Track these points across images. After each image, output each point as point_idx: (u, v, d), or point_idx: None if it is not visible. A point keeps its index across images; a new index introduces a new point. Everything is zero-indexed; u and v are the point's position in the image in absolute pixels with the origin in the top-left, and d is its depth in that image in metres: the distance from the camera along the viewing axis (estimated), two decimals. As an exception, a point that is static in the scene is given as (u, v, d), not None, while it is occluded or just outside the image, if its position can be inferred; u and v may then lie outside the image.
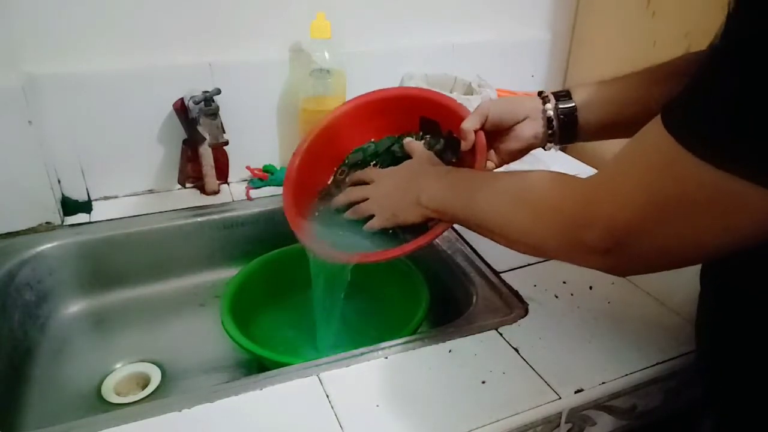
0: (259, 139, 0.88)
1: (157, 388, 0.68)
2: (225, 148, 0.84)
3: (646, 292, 0.66)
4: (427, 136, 0.69)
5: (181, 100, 0.78)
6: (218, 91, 0.78)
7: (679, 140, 0.35)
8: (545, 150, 0.63)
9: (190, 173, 0.85)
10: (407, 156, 0.66)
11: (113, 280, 0.78)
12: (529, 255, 0.53)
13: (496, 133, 0.62)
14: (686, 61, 0.56)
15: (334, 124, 0.70)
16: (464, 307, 0.65)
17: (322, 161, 0.70)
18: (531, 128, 0.61)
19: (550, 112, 0.60)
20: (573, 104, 0.60)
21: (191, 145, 0.82)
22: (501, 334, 0.58)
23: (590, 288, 0.66)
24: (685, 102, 0.35)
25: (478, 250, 0.74)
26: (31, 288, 0.72)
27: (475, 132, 0.60)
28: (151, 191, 0.86)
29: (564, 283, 0.67)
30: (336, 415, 0.48)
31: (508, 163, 0.65)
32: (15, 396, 0.64)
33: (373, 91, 0.71)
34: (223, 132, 0.80)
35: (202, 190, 0.85)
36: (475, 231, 0.55)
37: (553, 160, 0.86)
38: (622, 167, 0.41)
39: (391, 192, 0.61)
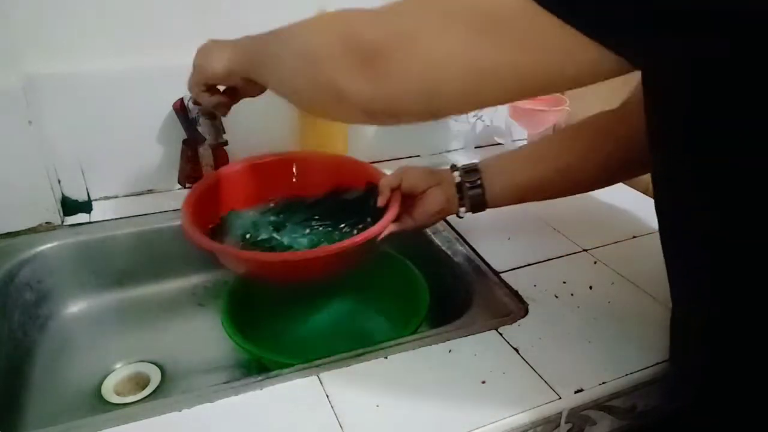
0: (259, 139, 0.88)
1: (157, 388, 0.68)
2: (225, 148, 0.84)
3: (646, 292, 0.66)
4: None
5: (181, 100, 0.78)
6: None
7: None
8: (459, 216, 0.68)
9: (190, 173, 0.85)
10: (350, 207, 0.72)
11: (113, 280, 0.78)
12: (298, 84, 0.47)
13: (411, 196, 0.67)
14: (608, 121, 0.63)
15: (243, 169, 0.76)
16: (464, 307, 0.65)
17: (218, 201, 0.73)
18: (443, 193, 0.67)
19: (458, 179, 0.66)
20: (477, 169, 0.66)
21: (191, 145, 0.82)
22: (501, 334, 0.58)
23: (590, 288, 0.66)
24: None
25: (478, 250, 0.74)
26: (31, 288, 0.72)
27: (392, 190, 0.66)
28: (151, 191, 0.86)
29: (564, 283, 0.67)
30: (336, 415, 0.48)
31: (423, 226, 0.69)
32: (15, 396, 0.64)
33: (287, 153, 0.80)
34: (223, 132, 0.80)
35: (202, 190, 0.85)
36: (270, 75, 0.52)
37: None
38: None
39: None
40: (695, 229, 0.42)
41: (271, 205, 0.75)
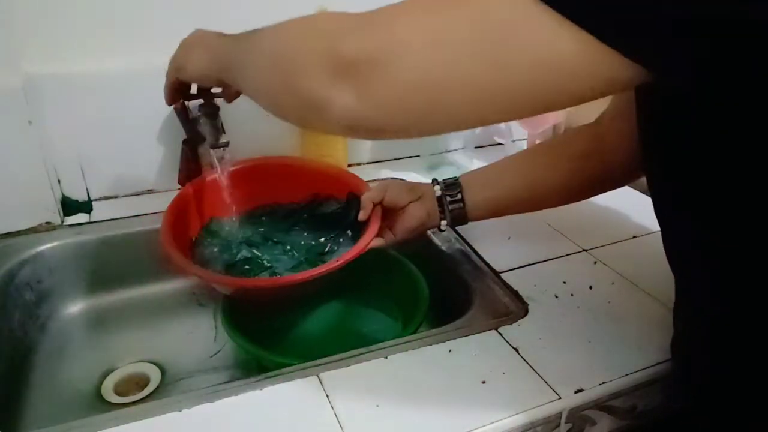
0: (259, 139, 0.88)
1: (157, 388, 0.68)
2: (225, 148, 0.84)
3: (646, 292, 0.66)
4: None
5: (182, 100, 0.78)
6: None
7: None
8: (440, 230, 0.68)
9: (190, 173, 0.85)
10: (327, 220, 0.72)
11: (113, 280, 0.78)
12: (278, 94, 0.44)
13: (392, 210, 0.67)
14: (586, 140, 0.63)
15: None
16: (464, 307, 0.65)
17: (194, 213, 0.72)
18: (423, 208, 0.67)
19: (439, 192, 0.66)
20: (458, 183, 0.66)
21: (191, 145, 0.82)
22: (501, 334, 0.58)
23: (590, 288, 0.66)
24: None
25: (478, 250, 0.74)
26: (31, 288, 0.72)
27: (374, 204, 0.66)
28: (151, 191, 0.86)
29: (564, 283, 0.67)
30: (336, 415, 0.48)
31: (403, 240, 0.69)
32: (15, 396, 0.64)
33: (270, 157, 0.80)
34: (224, 132, 0.80)
35: (202, 190, 0.85)
36: (246, 80, 0.49)
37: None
38: None
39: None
40: (694, 233, 0.42)
41: (250, 213, 0.76)
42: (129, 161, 0.82)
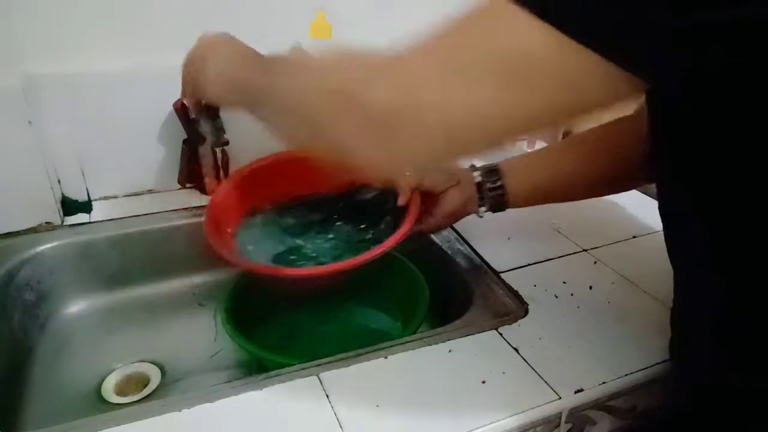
0: (259, 138, 0.87)
1: (157, 388, 0.68)
2: (225, 148, 0.84)
3: (646, 292, 0.66)
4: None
5: (181, 100, 0.78)
6: None
7: None
8: (479, 216, 0.68)
9: (190, 173, 0.85)
10: (368, 209, 0.72)
11: (113, 280, 0.78)
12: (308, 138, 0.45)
13: (430, 196, 0.67)
14: (627, 133, 0.61)
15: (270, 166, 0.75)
16: (464, 307, 0.65)
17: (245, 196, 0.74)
18: (463, 193, 0.67)
19: (479, 179, 0.66)
20: (498, 169, 0.66)
21: (191, 145, 0.82)
22: (501, 334, 0.58)
23: (590, 288, 0.66)
24: None
25: (478, 250, 0.74)
26: (31, 288, 0.72)
27: (412, 191, 0.65)
28: (151, 191, 0.86)
29: (564, 283, 0.67)
30: (336, 415, 0.48)
31: (443, 226, 0.70)
32: (15, 396, 0.64)
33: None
34: (224, 132, 0.80)
35: (202, 190, 0.85)
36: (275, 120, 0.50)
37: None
38: (435, 31, 0.36)
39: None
40: (698, 232, 0.42)
41: (289, 204, 0.76)
42: (129, 161, 0.82)
